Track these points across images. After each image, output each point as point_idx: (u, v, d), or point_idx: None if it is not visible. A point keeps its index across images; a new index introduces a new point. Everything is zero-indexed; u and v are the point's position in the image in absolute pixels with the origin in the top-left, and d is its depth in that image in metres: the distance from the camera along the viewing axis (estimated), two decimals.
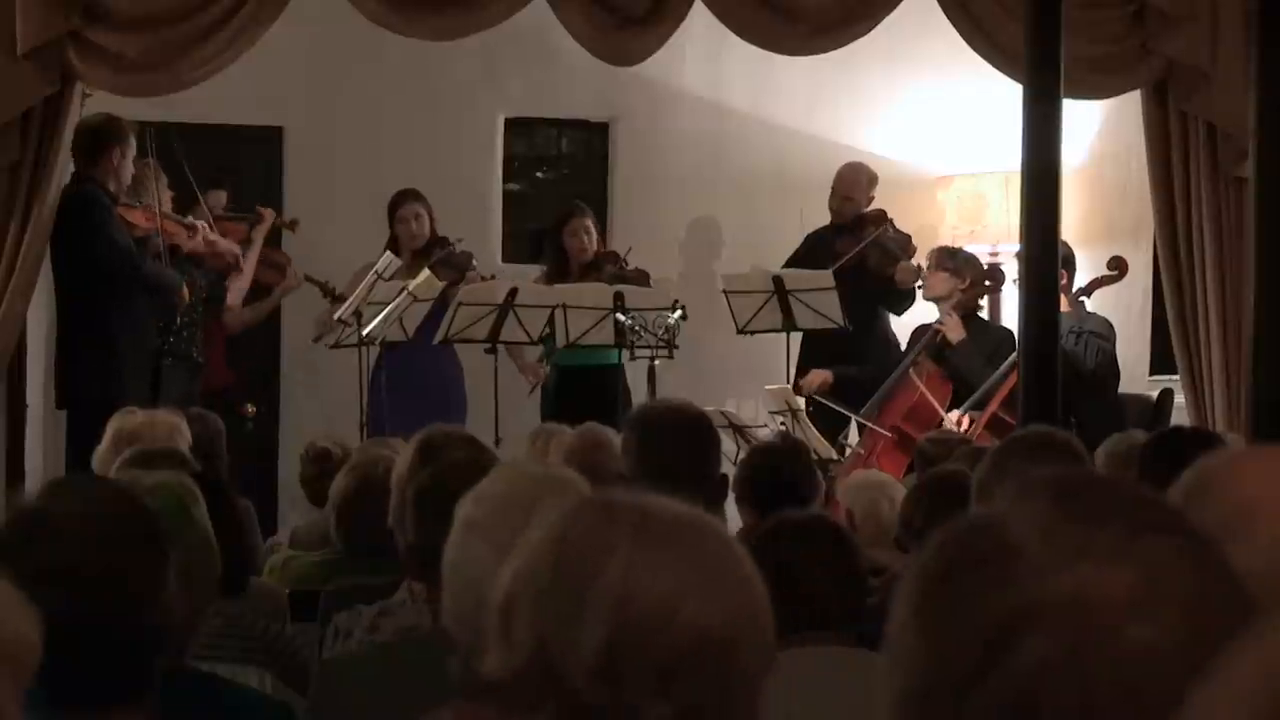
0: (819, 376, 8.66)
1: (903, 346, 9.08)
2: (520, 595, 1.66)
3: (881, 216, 9.05)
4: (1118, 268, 8.43)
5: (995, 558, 1.21)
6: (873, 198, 9.19)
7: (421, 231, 8.71)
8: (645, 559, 1.63)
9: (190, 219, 8.17)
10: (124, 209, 7.78)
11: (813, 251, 9.01)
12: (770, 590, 3.28)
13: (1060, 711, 1.16)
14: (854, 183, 9.17)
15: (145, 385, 7.58)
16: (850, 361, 8.70)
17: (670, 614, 1.62)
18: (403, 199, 8.75)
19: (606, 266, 8.71)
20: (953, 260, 8.65)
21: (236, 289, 8.46)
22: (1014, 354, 7.65)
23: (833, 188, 9.20)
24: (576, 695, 1.61)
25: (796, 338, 8.70)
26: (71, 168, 7.99)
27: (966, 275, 8.62)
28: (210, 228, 8.18)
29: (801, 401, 8.12)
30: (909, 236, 9.00)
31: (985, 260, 9.43)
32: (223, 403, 8.30)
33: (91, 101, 7.95)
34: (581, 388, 8.52)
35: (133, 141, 7.76)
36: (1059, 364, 7.78)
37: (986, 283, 8.96)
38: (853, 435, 8.60)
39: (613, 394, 8.23)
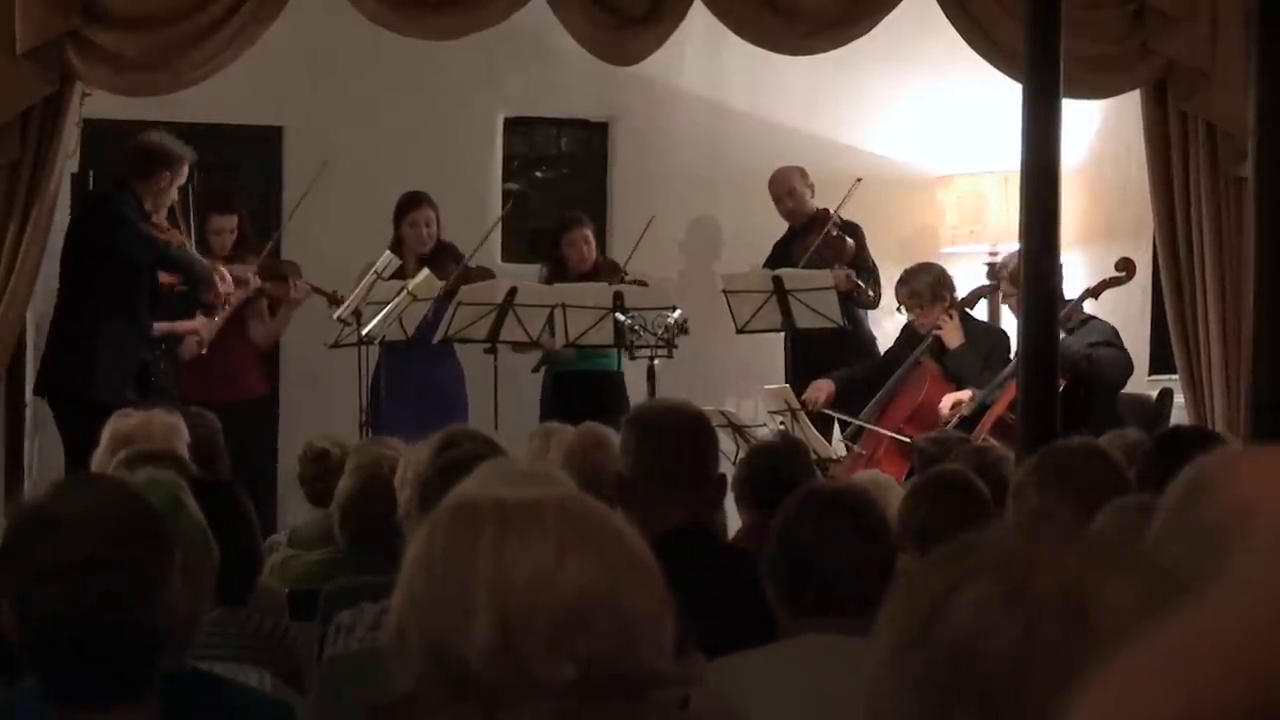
0: (824, 389, 8.60)
1: (883, 341, 9.09)
2: (407, 613, 1.71)
3: (828, 216, 9.01)
4: (1125, 269, 8.35)
5: (941, 640, 1.22)
6: (812, 185, 9.16)
7: (431, 237, 8.72)
8: (512, 538, 1.69)
9: (218, 266, 8.16)
10: (152, 227, 7.80)
11: (776, 258, 9.00)
12: (787, 574, 3.23)
13: (998, 659, 1.18)
14: (788, 178, 9.15)
15: (128, 386, 7.56)
16: (833, 362, 8.68)
17: (548, 579, 1.67)
18: (415, 203, 8.72)
19: (607, 278, 8.69)
20: (932, 287, 8.54)
21: (192, 343, 8.38)
22: (1014, 360, 7.64)
23: (773, 194, 9.16)
24: (478, 683, 1.66)
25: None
26: (71, 168, 8.00)
27: (947, 294, 8.59)
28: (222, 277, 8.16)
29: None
30: (844, 240, 8.93)
31: (984, 260, 9.45)
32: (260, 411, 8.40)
33: (92, 102, 7.96)
34: (579, 392, 8.50)
35: (185, 173, 7.80)
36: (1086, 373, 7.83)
37: (986, 282, 8.95)
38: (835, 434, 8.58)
39: (612, 399, 8.21)
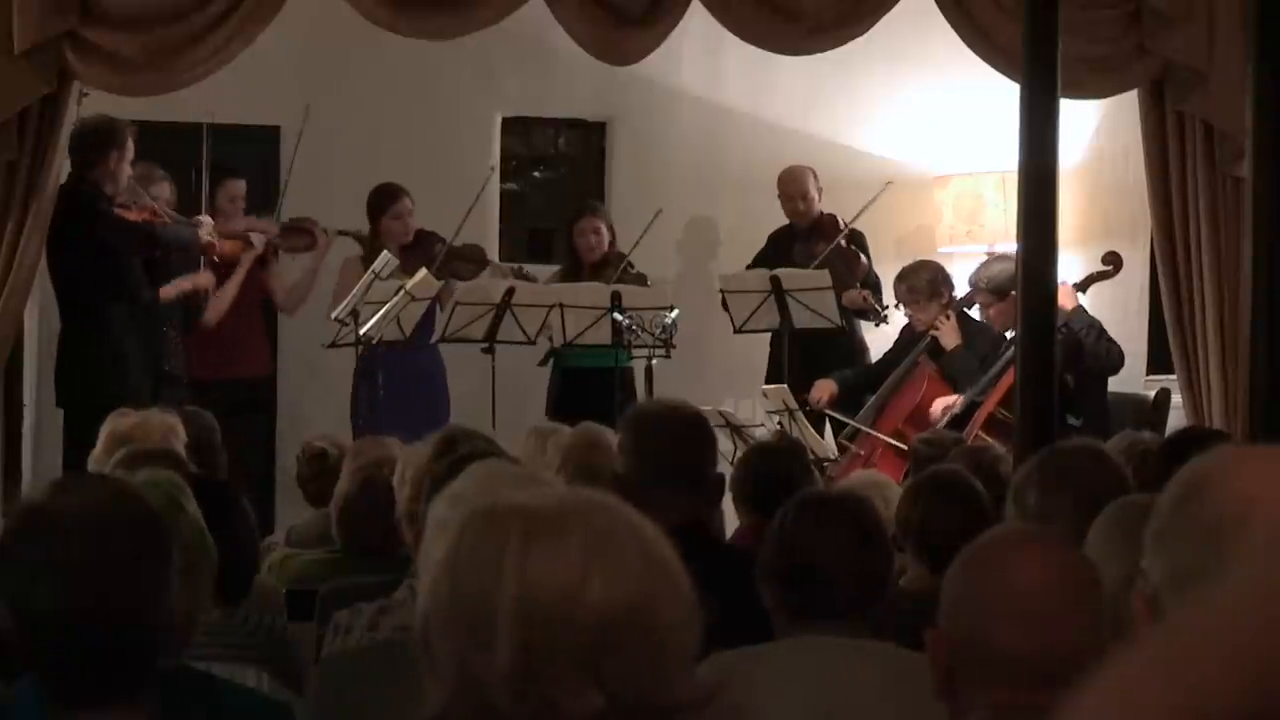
0: (827, 390, 8.60)
1: (870, 347, 9.09)
2: (431, 623, 1.64)
3: (835, 223, 9.01)
4: (1112, 262, 8.37)
5: None
6: (821, 189, 9.17)
7: (412, 227, 8.74)
8: (537, 554, 1.61)
9: (196, 218, 8.18)
10: (121, 210, 7.79)
11: (773, 255, 8.99)
12: (783, 579, 3.24)
13: None
14: (805, 180, 9.15)
15: (147, 387, 7.58)
16: (822, 364, 8.68)
17: (574, 600, 1.59)
18: (392, 197, 8.71)
19: (607, 269, 8.70)
20: (930, 284, 8.54)
21: (215, 309, 8.38)
22: (1008, 353, 7.64)
23: (786, 192, 9.16)
24: (500, 712, 1.59)
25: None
26: (68, 167, 7.99)
27: (945, 292, 8.59)
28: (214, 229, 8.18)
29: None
30: (859, 255, 8.95)
31: (982, 260, 9.43)
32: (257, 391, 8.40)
33: (90, 100, 7.95)
34: (587, 388, 8.49)
35: (130, 144, 7.75)
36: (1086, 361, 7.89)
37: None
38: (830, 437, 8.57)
39: (621, 395, 8.18)
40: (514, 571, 1.60)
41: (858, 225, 9.01)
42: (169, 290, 8.01)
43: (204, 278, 8.17)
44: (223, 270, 8.33)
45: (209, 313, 8.30)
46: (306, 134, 8.76)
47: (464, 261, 8.61)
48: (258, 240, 8.41)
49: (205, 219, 8.14)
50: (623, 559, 1.62)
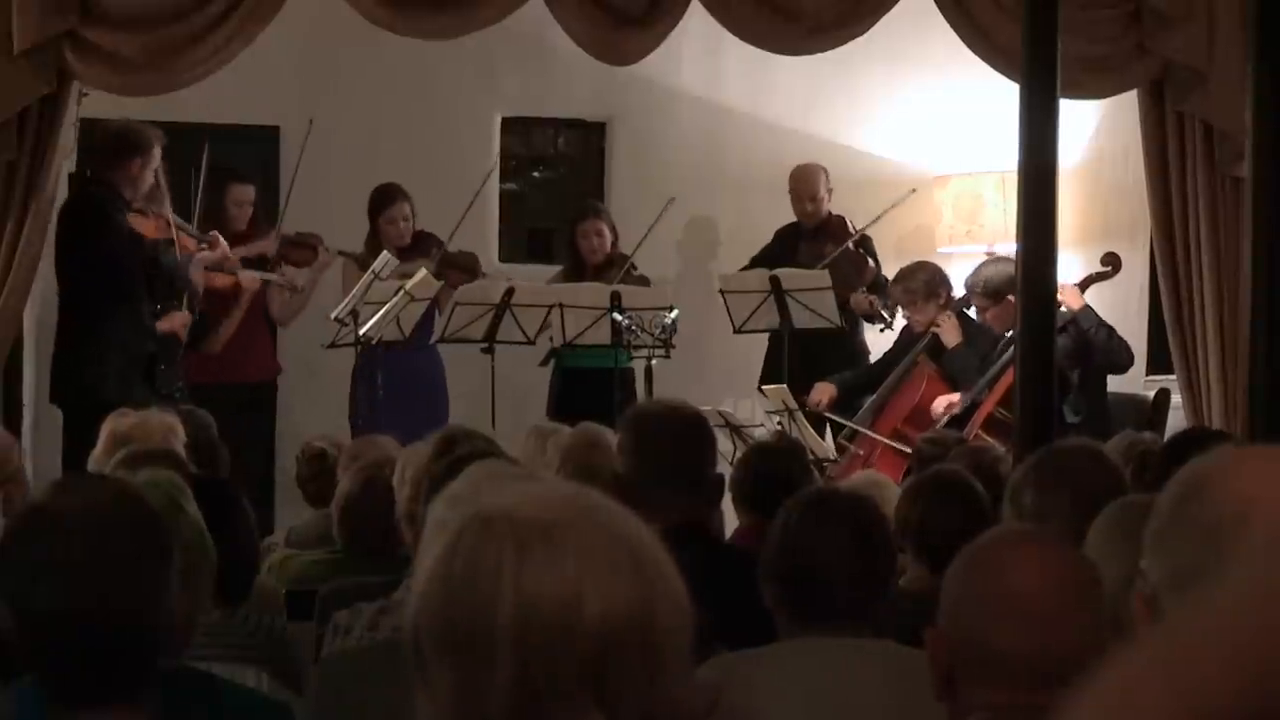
0: (827, 392, 8.60)
1: (871, 349, 9.09)
2: (426, 636, 1.61)
3: (844, 225, 9.02)
4: (1111, 263, 8.37)
5: None
6: (831, 190, 9.17)
7: (410, 230, 8.73)
8: (532, 568, 1.57)
9: (212, 233, 8.18)
10: (136, 216, 7.78)
11: (777, 254, 8.99)
12: (786, 579, 3.24)
13: None
14: (817, 181, 9.15)
15: (140, 386, 7.57)
16: (819, 365, 8.67)
17: (574, 615, 1.56)
18: (390, 199, 8.71)
19: (610, 271, 8.69)
20: (927, 285, 8.54)
21: (216, 342, 8.38)
22: (1009, 352, 7.64)
23: (796, 192, 9.16)
24: None
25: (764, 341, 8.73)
26: (68, 167, 7.99)
27: (943, 292, 8.59)
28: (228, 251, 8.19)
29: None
30: (866, 260, 8.96)
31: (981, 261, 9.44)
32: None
33: (90, 100, 7.95)
34: (586, 389, 8.49)
35: (158, 152, 7.73)
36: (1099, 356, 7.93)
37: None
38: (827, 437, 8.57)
39: (622, 396, 8.18)
40: (511, 584, 1.57)
41: (860, 226, 9.02)
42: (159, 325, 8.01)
43: (180, 321, 8.03)
44: (219, 299, 8.33)
45: (209, 345, 8.33)
46: (305, 133, 8.76)
47: (457, 270, 8.57)
48: (247, 281, 8.37)
49: (219, 237, 8.11)
50: (621, 568, 1.59)
